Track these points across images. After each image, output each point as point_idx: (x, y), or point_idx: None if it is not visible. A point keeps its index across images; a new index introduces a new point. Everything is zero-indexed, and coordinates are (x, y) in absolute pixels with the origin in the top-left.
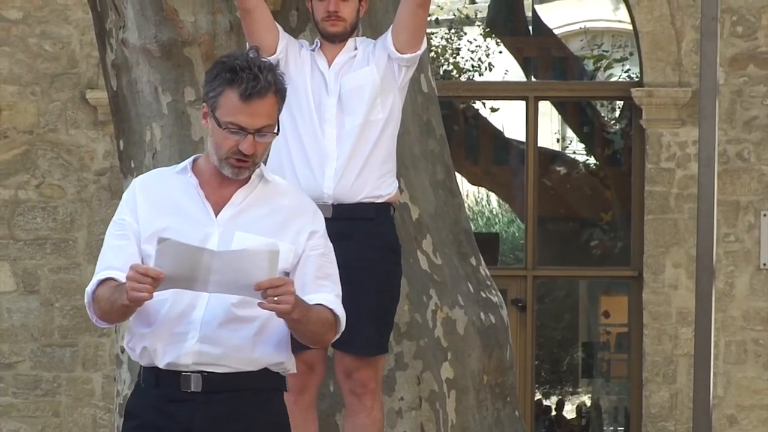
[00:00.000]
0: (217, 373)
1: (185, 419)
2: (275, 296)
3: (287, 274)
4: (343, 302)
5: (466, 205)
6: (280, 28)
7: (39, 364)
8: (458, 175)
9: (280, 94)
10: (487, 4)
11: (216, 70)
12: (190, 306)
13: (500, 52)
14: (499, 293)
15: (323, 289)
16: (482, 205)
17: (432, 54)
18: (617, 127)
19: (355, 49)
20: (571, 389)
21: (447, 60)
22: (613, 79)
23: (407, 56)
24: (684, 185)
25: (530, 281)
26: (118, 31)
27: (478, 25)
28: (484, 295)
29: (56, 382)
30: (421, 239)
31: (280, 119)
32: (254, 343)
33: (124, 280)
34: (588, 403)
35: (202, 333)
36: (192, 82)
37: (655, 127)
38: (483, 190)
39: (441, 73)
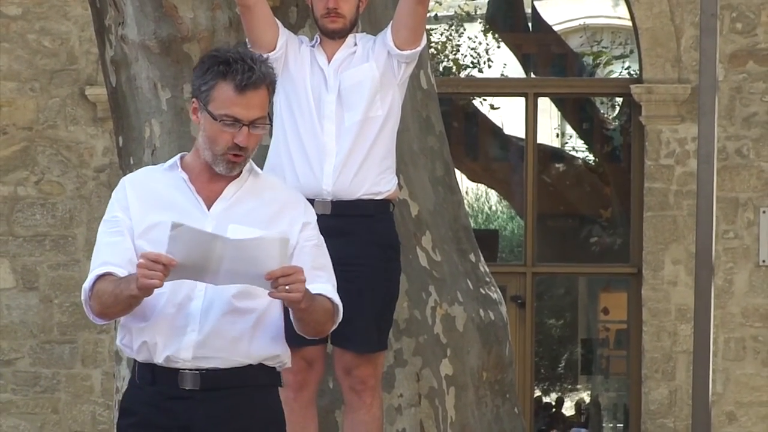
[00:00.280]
0: (215, 369)
1: (184, 417)
2: (287, 285)
3: None
4: (342, 299)
5: (465, 201)
6: (279, 24)
7: (38, 360)
8: (458, 172)
9: (272, 86)
10: (487, 1)
11: (207, 63)
12: (188, 297)
13: (498, 47)
14: (498, 290)
15: (319, 279)
16: (482, 202)
17: (432, 50)
18: (616, 123)
19: (355, 45)
20: (570, 386)
21: (447, 56)
22: (613, 75)
23: (407, 53)
24: (683, 182)
25: (529, 278)
26: (118, 28)
27: (479, 22)
28: (483, 292)
29: (55, 378)
30: (420, 236)
31: (275, 114)
32: (252, 336)
33: (121, 275)
34: (587, 399)
35: (201, 325)
36: (191, 79)
37: (655, 123)
38: (482, 186)
39: (441, 69)
